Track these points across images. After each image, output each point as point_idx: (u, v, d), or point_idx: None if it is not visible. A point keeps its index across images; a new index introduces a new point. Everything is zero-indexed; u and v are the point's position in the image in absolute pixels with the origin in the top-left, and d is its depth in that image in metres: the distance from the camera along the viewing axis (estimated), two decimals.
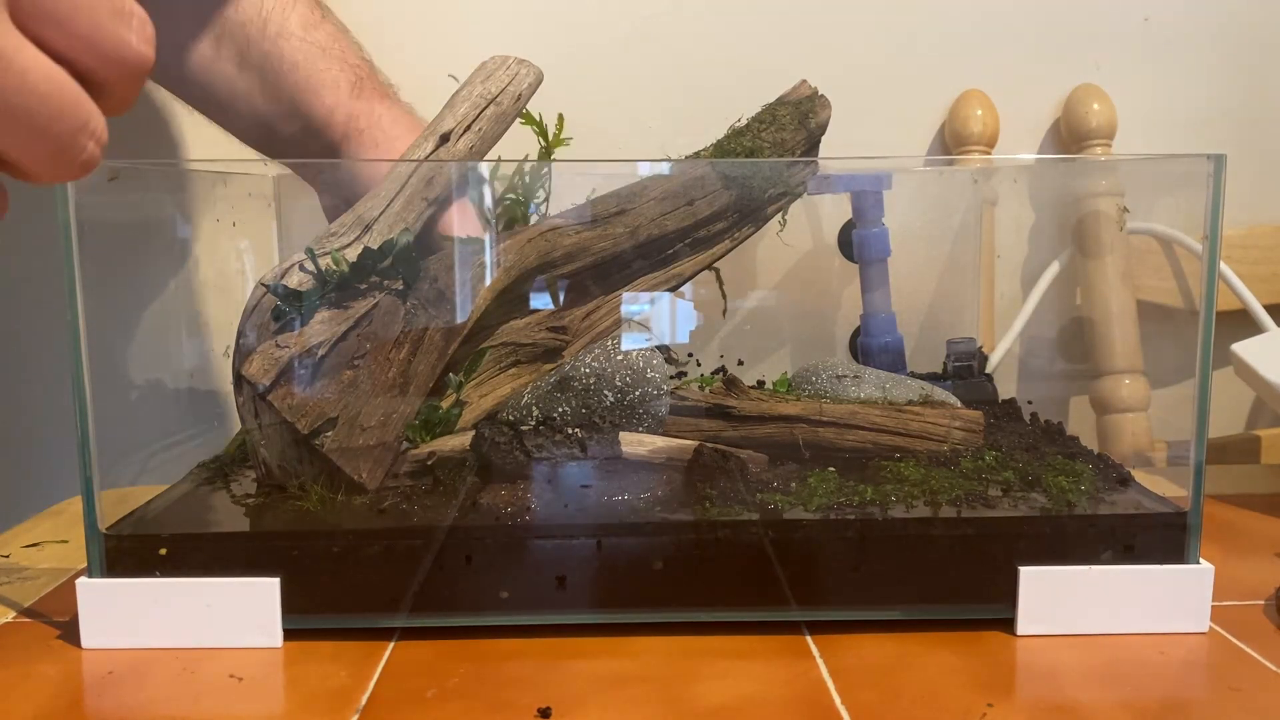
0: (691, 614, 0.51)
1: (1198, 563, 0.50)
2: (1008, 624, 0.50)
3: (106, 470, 0.50)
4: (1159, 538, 0.50)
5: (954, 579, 0.50)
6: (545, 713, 0.43)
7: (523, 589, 0.50)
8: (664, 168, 0.64)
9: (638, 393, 0.57)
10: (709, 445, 0.54)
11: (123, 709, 0.44)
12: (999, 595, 0.50)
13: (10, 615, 0.53)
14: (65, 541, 0.65)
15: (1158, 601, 0.50)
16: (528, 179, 0.61)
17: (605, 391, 0.57)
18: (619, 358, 0.58)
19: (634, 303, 0.62)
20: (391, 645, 0.49)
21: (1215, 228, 0.50)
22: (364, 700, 0.44)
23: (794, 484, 0.54)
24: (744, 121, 0.66)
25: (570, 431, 0.55)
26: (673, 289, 0.64)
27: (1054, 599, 0.50)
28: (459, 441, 0.55)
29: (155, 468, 0.61)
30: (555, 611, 0.50)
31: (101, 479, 0.50)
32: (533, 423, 0.57)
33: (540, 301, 0.61)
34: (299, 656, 0.48)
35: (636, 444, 0.55)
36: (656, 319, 0.64)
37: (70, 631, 0.50)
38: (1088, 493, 0.53)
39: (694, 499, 0.52)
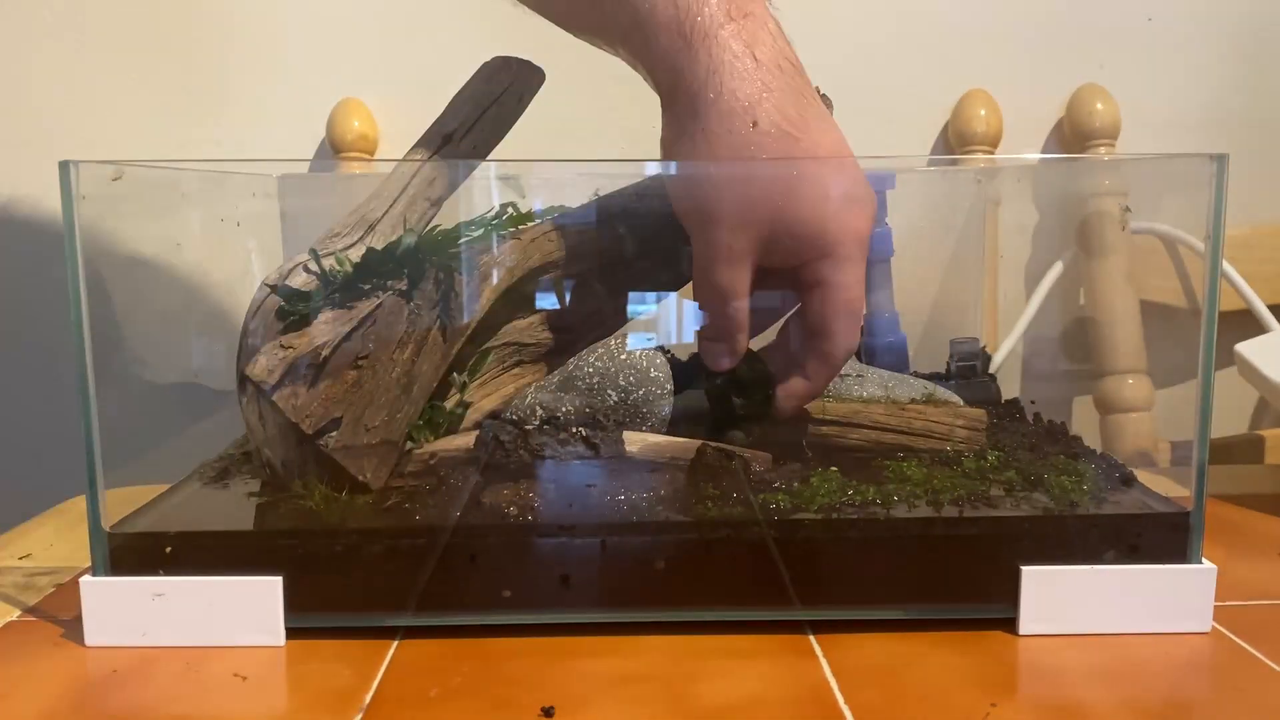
0: (695, 613, 0.51)
1: (1201, 563, 0.50)
2: (1010, 624, 0.50)
3: (110, 469, 0.50)
4: (1162, 538, 0.50)
5: (957, 578, 0.50)
6: (549, 712, 0.43)
7: (526, 588, 0.50)
8: (665, 167, 0.64)
9: (641, 392, 0.57)
10: (712, 444, 0.54)
11: (126, 708, 0.44)
12: (1001, 595, 0.50)
13: (14, 614, 0.54)
14: (69, 540, 0.65)
15: (1161, 601, 0.50)
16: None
17: (609, 391, 0.57)
18: (622, 357, 0.58)
19: (637, 302, 0.62)
20: (395, 644, 0.49)
21: (1218, 227, 0.50)
22: (368, 699, 0.44)
23: (797, 483, 0.54)
24: None
25: (574, 430, 0.55)
26: (675, 289, 0.63)
27: (1056, 599, 0.50)
28: (463, 441, 0.55)
29: (159, 467, 0.61)
30: (559, 610, 0.50)
31: (105, 478, 0.50)
32: (536, 422, 0.57)
33: (543, 301, 0.61)
34: (303, 655, 0.48)
35: (640, 443, 0.55)
36: (660, 319, 0.64)
37: (74, 630, 0.50)
38: (1090, 492, 0.53)
39: (697, 498, 0.52)
